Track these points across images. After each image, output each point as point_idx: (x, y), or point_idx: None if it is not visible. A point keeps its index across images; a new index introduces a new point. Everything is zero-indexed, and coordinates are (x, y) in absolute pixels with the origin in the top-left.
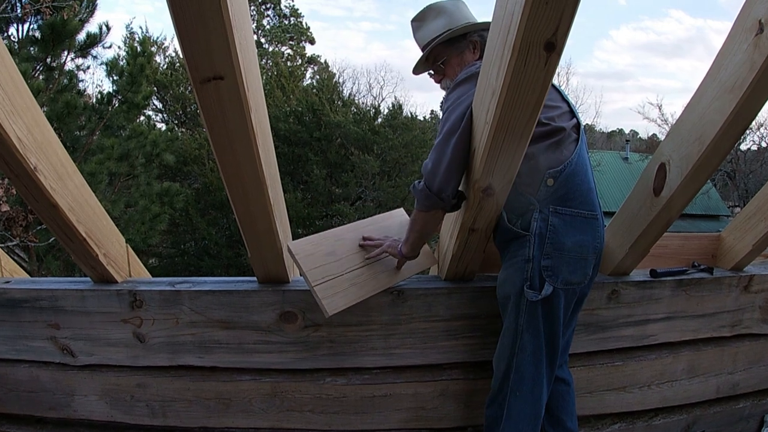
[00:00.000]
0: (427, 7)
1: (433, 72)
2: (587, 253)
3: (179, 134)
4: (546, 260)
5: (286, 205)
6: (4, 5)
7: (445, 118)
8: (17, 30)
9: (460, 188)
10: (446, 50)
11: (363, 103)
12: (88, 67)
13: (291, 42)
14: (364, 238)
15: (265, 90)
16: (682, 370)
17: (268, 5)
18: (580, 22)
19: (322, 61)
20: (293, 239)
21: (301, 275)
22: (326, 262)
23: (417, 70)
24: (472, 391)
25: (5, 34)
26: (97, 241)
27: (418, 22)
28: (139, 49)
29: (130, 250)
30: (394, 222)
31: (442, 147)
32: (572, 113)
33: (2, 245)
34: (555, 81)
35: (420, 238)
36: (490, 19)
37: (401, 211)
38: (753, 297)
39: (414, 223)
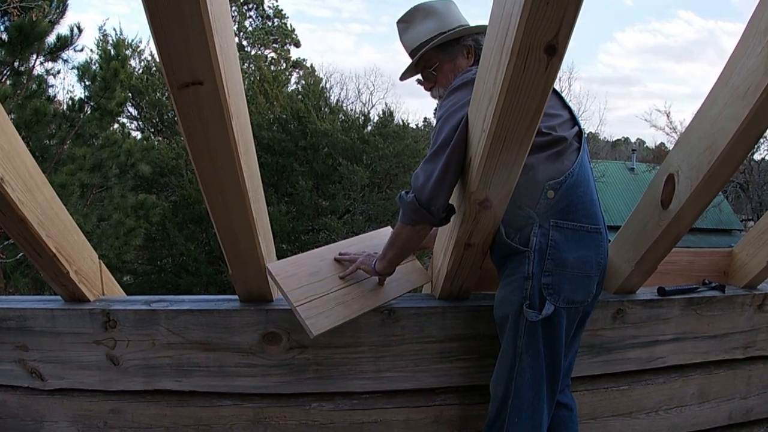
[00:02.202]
0: (414, 7)
1: (423, 78)
2: (590, 270)
3: (155, 143)
4: (546, 277)
5: (269, 219)
6: None
7: (439, 127)
8: None
9: (451, 201)
10: (438, 55)
11: (352, 110)
12: (59, 72)
13: (275, 45)
14: (340, 254)
15: (247, 96)
16: (692, 395)
17: (251, 6)
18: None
19: (308, 65)
20: (277, 255)
21: (283, 298)
22: (309, 281)
23: (405, 75)
24: (468, 417)
25: None
26: (68, 257)
27: (405, 23)
28: (112, 52)
29: (103, 266)
30: (381, 241)
31: (435, 158)
32: (574, 121)
33: None
34: (556, 86)
35: (400, 255)
36: (484, 22)
37: (389, 229)
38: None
39: (396, 237)
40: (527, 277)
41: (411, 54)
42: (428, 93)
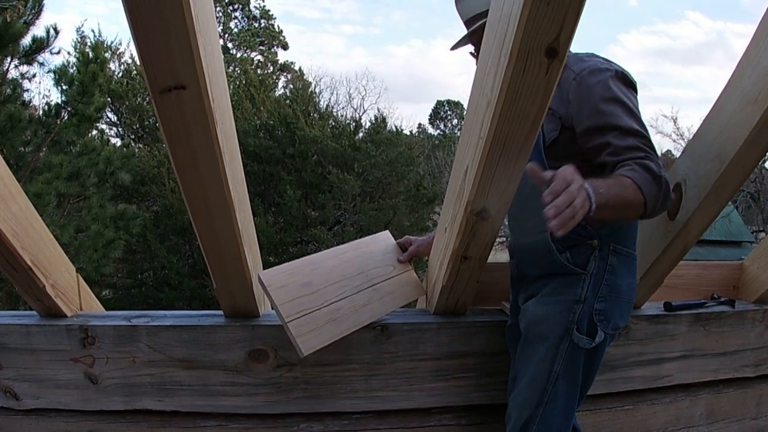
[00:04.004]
0: None
1: (475, 53)
2: (634, 296)
3: (136, 150)
4: (600, 303)
5: (256, 230)
6: None
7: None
8: None
9: (446, 211)
10: None
11: (342, 116)
12: (34, 75)
13: (261, 47)
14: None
15: (232, 101)
16: (701, 415)
17: (236, 6)
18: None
19: (297, 68)
20: (264, 268)
21: (272, 309)
22: (301, 294)
23: (457, 45)
24: None
25: None
26: (44, 270)
27: None
28: (91, 55)
29: (81, 280)
30: (379, 247)
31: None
32: None
33: None
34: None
35: (613, 210)
36: None
37: (387, 234)
38: None
39: (625, 197)
40: (578, 301)
41: (466, 24)
42: (425, 97)
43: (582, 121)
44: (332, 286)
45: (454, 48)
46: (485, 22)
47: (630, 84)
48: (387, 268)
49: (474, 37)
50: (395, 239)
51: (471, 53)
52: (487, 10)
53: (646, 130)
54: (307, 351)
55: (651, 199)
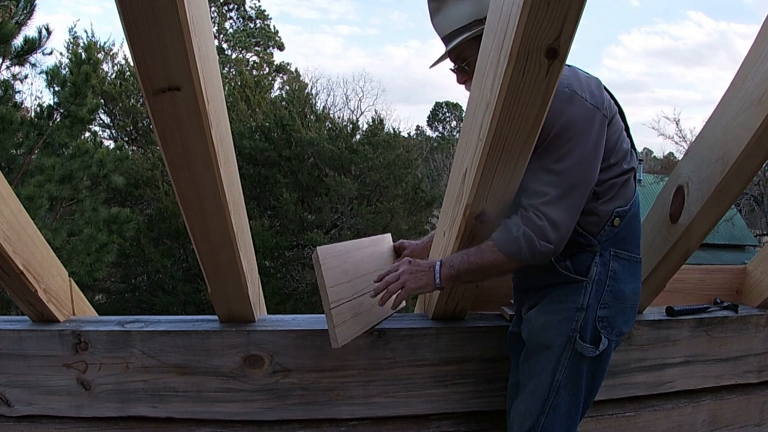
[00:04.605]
0: None
1: (456, 71)
2: (638, 301)
3: (129, 153)
4: (603, 310)
5: (251, 234)
6: None
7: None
8: None
9: (444, 214)
10: (473, 49)
11: (339, 118)
12: (26, 77)
13: (257, 48)
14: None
15: (227, 102)
16: (703, 422)
17: (231, 6)
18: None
19: (293, 69)
20: (260, 272)
21: (264, 317)
22: (341, 281)
23: (435, 63)
24: None
25: None
26: (36, 274)
27: (437, 2)
28: (83, 55)
29: (74, 284)
30: (383, 248)
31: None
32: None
33: None
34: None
35: (469, 277)
36: None
37: (389, 236)
38: None
39: (484, 261)
40: (581, 309)
41: (443, 40)
42: (423, 99)
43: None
44: (359, 279)
45: (432, 66)
46: (466, 39)
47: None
48: None
49: (453, 54)
50: (395, 241)
51: (451, 69)
52: (467, 25)
53: (581, 166)
54: (342, 342)
55: (515, 256)
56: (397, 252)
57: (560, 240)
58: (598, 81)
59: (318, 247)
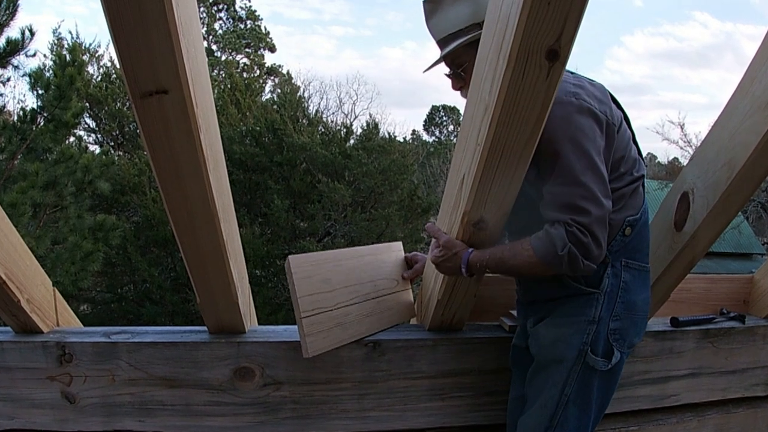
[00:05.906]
0: None
1: (451, 76)
2: (648, 311)
3: (115, 158)
4: (615, 322)
5: (242, 242)
6: None
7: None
8: None
9: (442, 221)
10: (469, 54)
11: (332, 122)
12: (8, 79)
13: (247, 49)
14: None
15: (217, 106)
16: None
17: (221, 6)
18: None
19: (285, 71)
20: (250, 281)
21: (256, 329)
22: (320, 290)
23: (430, 68)
24: None
25: None
26: (19, 284)
27: (432, 3)
28: (68, 57)
29: (58, 294)
30: (390, 257)
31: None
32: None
33: None
34: None
35: (499, 270)
36: None
37: (399, 245)
38: None
39: (516, 262)
40: (592, 321)
41: (438, 44)
42: (419, 102)
43: (538, 152)
44: (347, 289)
45: (426, 71)
46: (462, 44)
47: (595, 117)
48: (392, 282)
49: (448, 59)
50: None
51: (446, 75)
52: (464, 29)
53: (597, 177)
54: (313, 352)
55: (555, 269)
56: (409, 264)
57: (600, 257)
58: (603, 88)
59: (290, 256)
